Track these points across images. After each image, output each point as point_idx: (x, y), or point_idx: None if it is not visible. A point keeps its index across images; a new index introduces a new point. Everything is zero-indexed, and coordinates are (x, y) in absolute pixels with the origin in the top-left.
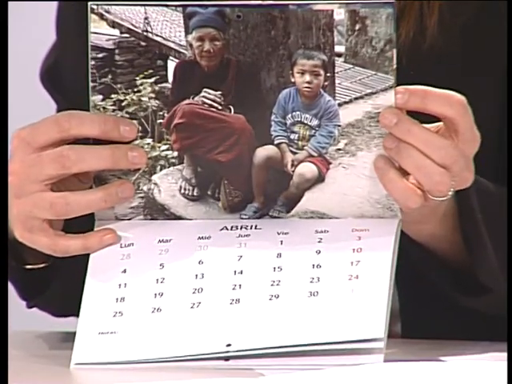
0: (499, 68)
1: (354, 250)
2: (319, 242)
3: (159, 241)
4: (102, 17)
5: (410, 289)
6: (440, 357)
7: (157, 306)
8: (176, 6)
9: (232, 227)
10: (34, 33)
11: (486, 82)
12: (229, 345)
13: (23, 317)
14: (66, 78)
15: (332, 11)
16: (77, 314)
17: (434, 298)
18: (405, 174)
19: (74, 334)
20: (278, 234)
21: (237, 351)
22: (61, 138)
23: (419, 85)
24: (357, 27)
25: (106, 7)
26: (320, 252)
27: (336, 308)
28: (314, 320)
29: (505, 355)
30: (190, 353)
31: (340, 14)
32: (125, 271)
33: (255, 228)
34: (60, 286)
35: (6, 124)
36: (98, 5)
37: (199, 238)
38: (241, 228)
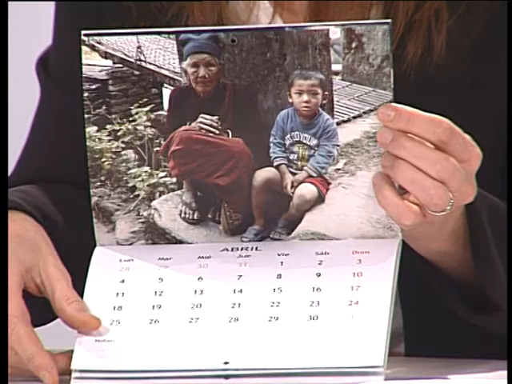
0: (505, 82)
1: (354, 274)
2: (319, 264)
3: (159, 258)
4: (93, 48)
5: (414, 309)
6: (445, 375)
7: (155, 317)
8: (169, 33)
9: (233, 248)
10: (34, 33)
11: (492, 97)
12: (226, 363)
13: None
14: (62, 67)
15: (328, 31)
16: None
17: (440, 318)
18: (404, 192)
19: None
20: (279, 255)
21: (234, 370)
22: None
23: (426, 103)
24: (353, 45)
25: (98, 38)
26: (320, 275)
27: (335, 334)
28: (312, 345)
29: None
30: (187, 367)
31: (336, 33)
32: (123, 281)
33: (256, 249)
34: None
35: (6, 124)
36: (89, 35)
37: (199, 257)
38: (241, 249)
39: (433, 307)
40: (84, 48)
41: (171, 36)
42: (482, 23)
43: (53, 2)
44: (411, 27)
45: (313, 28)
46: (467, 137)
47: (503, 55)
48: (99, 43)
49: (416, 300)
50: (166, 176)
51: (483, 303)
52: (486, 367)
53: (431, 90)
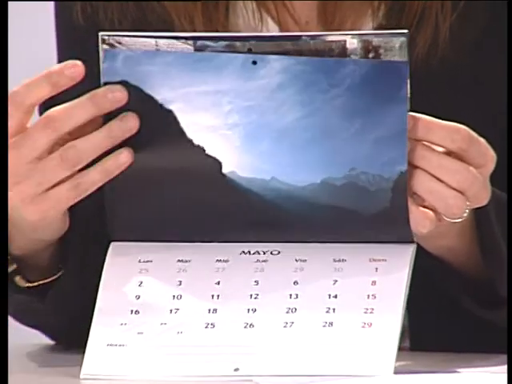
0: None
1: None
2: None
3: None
4: (113, 47)
5: (419, 304)
6: (451, 369)
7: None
8: (187, 38)
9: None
10: (34, 33)
11: (497, 95)
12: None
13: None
14: None
15: (345, 41)
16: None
17: (445, 313)
18: (421, 199)
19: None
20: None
21: (244, 376)
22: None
23: (432, 99)
24: (370, 56)
25: (117, 38)
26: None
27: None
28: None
29: None
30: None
31: (353, 44)
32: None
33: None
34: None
35: (6, 126)
36: (109, 35)
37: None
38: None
39: (438, 302)
40: (104, 46)
41: (189, 42)
42: (484, 14)
43: (52, 3)
44: (421, 19)
45: (330, 38)
46: (483, 141)
47: (504, 51)
48: (119, 43)
49: (421, 295)
50: None
51: (491, 297)
52: (491, 361)
53: (436, 85)
